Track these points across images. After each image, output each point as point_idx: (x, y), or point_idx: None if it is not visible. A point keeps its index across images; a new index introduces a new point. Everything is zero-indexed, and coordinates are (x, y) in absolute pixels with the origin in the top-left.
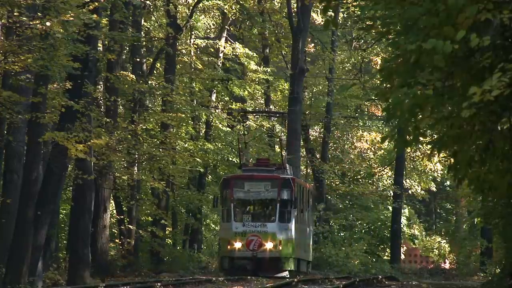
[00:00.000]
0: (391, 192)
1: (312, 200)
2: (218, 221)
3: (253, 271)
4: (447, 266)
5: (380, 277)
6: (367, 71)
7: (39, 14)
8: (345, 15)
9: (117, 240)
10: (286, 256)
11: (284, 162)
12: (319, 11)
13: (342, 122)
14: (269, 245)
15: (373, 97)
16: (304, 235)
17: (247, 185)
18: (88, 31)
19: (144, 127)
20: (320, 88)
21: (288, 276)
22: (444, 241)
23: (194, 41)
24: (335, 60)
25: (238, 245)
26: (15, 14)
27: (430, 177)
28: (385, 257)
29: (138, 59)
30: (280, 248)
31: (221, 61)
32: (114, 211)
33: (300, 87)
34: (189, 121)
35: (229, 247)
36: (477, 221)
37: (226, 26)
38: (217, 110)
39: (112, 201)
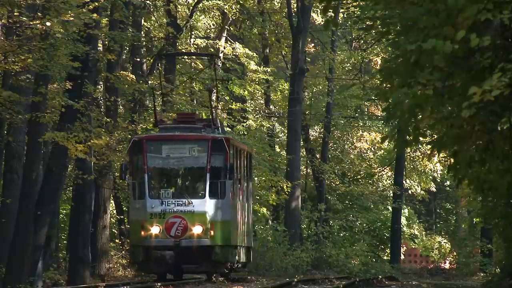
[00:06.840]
0: (391, 192)
1: (251, 167)
2: None
3: (175, 264)
4: (447, 266)
5: (380, 277)
6: (367, 71)
7: (39, 14)
8: (345, 15)
9: (117, 240)
10: (220, 243)
11: (215, 118)
12: (319, 11)
13: (342, 122)
14: (197, 229)
15: (373, 97)
16: (243, 214)
17: (166, 149)
18: (88, 31)
19: (144, 127)
20: (320, 88)
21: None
22: (445, 241)
23: (194, 41)
24: (335, 60)
25: (155, 230)
26: (15, 14)
27: (430, 177)
28: (385, 257)
29: (138, 59)
30: (212, 233)
31: (221, 61)
32: (114, 211)
33: (300, 87)
34: None
35: (143, 233)
36: (476, 221)
37: (226, 26)
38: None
39: (112, 201)
